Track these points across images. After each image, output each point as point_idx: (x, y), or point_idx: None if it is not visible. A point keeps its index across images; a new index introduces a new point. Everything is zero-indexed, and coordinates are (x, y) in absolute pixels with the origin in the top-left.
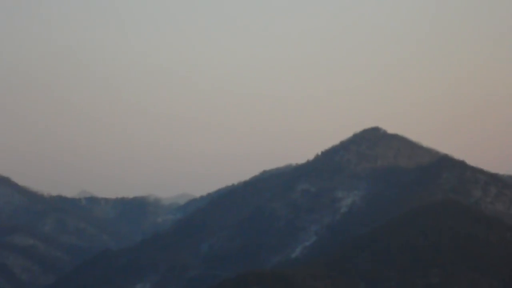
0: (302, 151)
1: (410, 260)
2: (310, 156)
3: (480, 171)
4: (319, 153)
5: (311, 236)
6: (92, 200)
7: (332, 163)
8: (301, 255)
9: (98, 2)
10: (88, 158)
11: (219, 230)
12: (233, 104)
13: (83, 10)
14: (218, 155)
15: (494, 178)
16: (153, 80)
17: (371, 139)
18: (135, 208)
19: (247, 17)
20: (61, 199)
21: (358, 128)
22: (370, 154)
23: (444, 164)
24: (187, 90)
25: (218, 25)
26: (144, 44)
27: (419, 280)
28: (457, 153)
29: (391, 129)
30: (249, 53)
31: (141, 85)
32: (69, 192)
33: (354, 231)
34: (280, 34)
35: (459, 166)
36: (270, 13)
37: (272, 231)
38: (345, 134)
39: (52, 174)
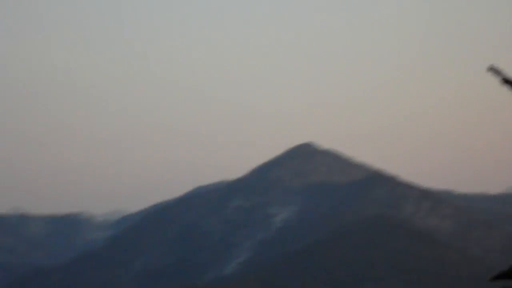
0: (236, 167)
1: (344, 275)
2: (244, 172)
3: (412, 186)
4: (253, 168)
5: (244, 252)
6: (24, 217)
7: (265, 178)
8: (234, 271)
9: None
10: (19, 174)
11: (153, 246)
12: (165, 120)
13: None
14: (151, 171)
15: (426, 193)
16: (80, 99)
17: (304, 155)
18: (67, 224)
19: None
20: None
21: (291, 144)
22: (303, 169)
23: (377, 180)
24: (115, 106)
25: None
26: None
27: None
28: (390, 168)
29: (323, 145)
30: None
31: (65, 103)
32: (0, 208)
33: (288, 246)
34: (214, 44)
35: (391, 181)
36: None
37: (205, 247)
38: (278, 149)
39: None
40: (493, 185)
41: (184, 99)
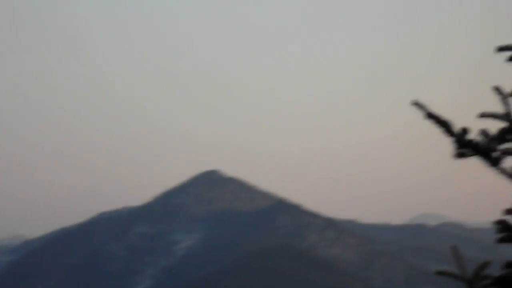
0: (140, 193)
1: None
2: (148, 198)
3: (317, 215)
4: (157, 195)
5: (147, 279)
6: None
7: (169, 205)
8: None
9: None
10: None
11: (55, 272)
12: (68, 146)
13: None
14: (54, 196)
15: (330, 223)
16: None
17: (209, 182)
18: None
19: None
20: None
21: (196, 171)
22: (208, 196)
23: (281, 208)
24: (16, 131)
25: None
26: None
27: None
28: (294, 197)
29: (228, 172)
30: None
31: None
32: None
33: (191, 274)
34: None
35: (295, 210)
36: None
37: (108, 274)
38: (183, 176)
39: None
40: (396, 216)
41: (89, 124)
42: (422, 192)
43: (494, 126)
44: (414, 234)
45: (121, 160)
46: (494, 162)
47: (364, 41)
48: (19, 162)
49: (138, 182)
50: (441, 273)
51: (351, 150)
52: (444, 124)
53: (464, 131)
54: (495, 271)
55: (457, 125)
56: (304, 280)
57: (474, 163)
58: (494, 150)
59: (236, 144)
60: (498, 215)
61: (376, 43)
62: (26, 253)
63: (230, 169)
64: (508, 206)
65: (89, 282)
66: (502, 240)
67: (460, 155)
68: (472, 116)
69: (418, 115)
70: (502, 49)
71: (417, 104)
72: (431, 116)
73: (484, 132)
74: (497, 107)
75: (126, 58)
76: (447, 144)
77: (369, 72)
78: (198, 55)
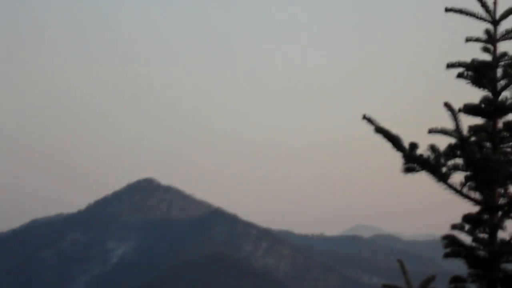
0: (74, 200)
1: None
2: (82, 205)
3: (252, 225)
4: (91, 202)
5: (79, 287)
6: None
7: (104, 213)
8: None
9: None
10: None
11: None
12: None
13: None
14: None
15: (265, 233)
16: None
17: (145, 190)
18: None
19: None
20: None
21: (131, 179)
22: (143, 205)
23: (217, 217)
24: None
25: None
26: None
27: None
28: (230, 207)
29: (164, 181)
30: None
31: None
32: None
33: (125, 282)
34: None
35: (231, 220)
36: None
37: (40, 281)
38: (118, 184)
39: None
40: (331, 227)
41: (23, 126)
42: (358, 204)
43: (444, 142)
44: (348, 245)
45: (55, 166)
46: (442, 178)
47: (317, 52)
48: None
49: (72, 189)
50: (387, 287)
51: (287, 160)
52: (393, 139)
53: (413, 146)
54: (437, 284)
55: (406, 140)
56: None
57: (410, 178)
58: (443, 165)
59: (173, 152)
60: (433, 229)
61: (327, 57)
62: None
63: (166, 178)
64: (450, 220)
65: None
66: (448, 255)
67: (408, 169)
68: (422, 131)
69: (355, 127)
70: (451, 65)
71: (367, 118)
72: (380, 130)
73: (432, 147)
74: (448, 123)
75: (63, 57)
76: (386, 158)
77: (316, 82)
78: (134, 60)
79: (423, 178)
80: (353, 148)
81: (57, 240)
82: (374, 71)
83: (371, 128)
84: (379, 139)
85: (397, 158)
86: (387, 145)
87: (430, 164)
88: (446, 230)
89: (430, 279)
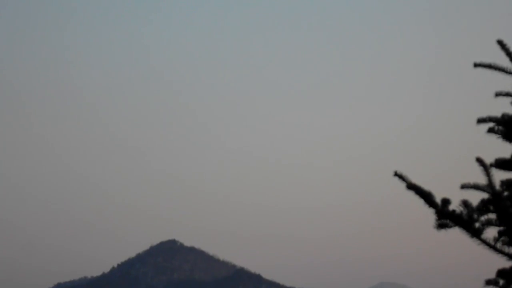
0: (98, 263)
1: None
2: (106, 268)
3: (276, 285)
4: (115, 265)
5: None
6: None
7: (128, 275)
8: None
9: None
10: None
11: None
12: (22, 213)
13: None
14: (6, 269)
15: None
16: None
17: (168, 252)
18: None
19: None
20: None
21: (155, 241)
22: (167, 266)
23: (241, 277)
24: None
25: None
26: None
27: None
28: (253, 267)
29: (187, 242)
30: None
31: None
32: None
33: None
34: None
35: (255, 279)
36: None
37: None
38: (142, 246)
39: None
40: (353, 285)
41: (44, 192)
42: (381, 261)
43: (476, 197)
44: None
45: (78, 229)
46: (476, 233)
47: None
48: None
49: (96, 252)
50: None
51: (309, 217)
52: (425, 195)
53: (445, 202)
54: None
55: (438, 196)
56: None
57: (437, 233)
58: (476, 221)
59: (195, 213)
60: (459, 286)
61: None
62: None
63: (189, 239)
64: (478, 277)
65: None
66: None
67: (441, 226)
68: (454, 187)
69: (394, 184)
70: (481, 120)
71: (398, 175)
72: (412, 187)
73: (465, 203)
74: (480, 178)
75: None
76: (411, 214)
77: (341, 140)
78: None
79: (450, 233)
80: (374, 204)
81: None
82: (403, 127)
83: (401, 185)
84: (395, 195)
85: (424, 214)
86: (409, 202)
87: (463, 220)
88: (474, 287)
89: None
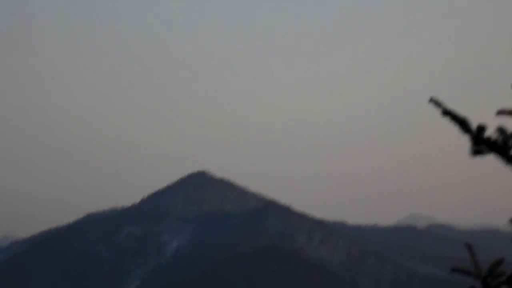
0: (129, 194)
1: None
2: (136, 199)
3: (306, 217)
4: (145, 196)
5: (135, 280)
6: None
7: (158, 206)
8: None
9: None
10: None
11: (43, 273)
12: (55, 146)
13: None
14: (41, 196)
15: (319, 224)
16: None
17: (198, 183)
18: None
19: None
20: None
21: (185, 172)
22: (197, 198)
23: (270, 209)
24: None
25: None
26: None
27: None
28: (283, 199)
29: (218, 173)
30: None
31: None
32: None
33: (180, 274)
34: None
35: (284, 212)
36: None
37: (96, 275)
38: (172, 177)
39: None
40: (385, 218)
41: (78, 125)
42: (412, 194)
43: None
44: (403, 235)
45: (109, 161)
46: (511, 160)
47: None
48: (8, 162)
49: (126, 183)
50: (456, 270)
51: (340, 151)
52: (460, 121)
53: (481, 128)
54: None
55: (473, 123)
56: (292, 280)
57: (466, 165)
58: (511, 148)
59: (226, 145)
60: (488, 218)
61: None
62: (14, 253)
63: (219, 170)
64: (507, 210)
65: (77, 283)
66: None
67: (477, 152)
68: (490, 113)
69: (412, 113)
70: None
71: (434, 101)
72: (447, 113)
73: (501, 130)
74: None
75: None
76: (439, 147)
77: (364, 69)
78: (186, 59)
79: (474, 166)
80: (405, 138)
81: (112, 234)
82: (438, 53)
83: (436, 112)
84: (429, 124)
85: (452, 144)
86: (441, 132)
87: (498, 146)
88: (501, 219)
89: (500, 262)
